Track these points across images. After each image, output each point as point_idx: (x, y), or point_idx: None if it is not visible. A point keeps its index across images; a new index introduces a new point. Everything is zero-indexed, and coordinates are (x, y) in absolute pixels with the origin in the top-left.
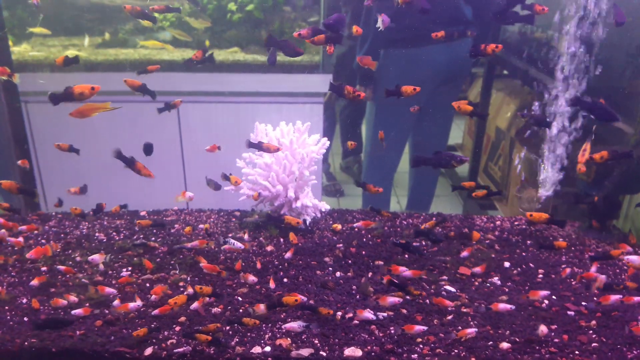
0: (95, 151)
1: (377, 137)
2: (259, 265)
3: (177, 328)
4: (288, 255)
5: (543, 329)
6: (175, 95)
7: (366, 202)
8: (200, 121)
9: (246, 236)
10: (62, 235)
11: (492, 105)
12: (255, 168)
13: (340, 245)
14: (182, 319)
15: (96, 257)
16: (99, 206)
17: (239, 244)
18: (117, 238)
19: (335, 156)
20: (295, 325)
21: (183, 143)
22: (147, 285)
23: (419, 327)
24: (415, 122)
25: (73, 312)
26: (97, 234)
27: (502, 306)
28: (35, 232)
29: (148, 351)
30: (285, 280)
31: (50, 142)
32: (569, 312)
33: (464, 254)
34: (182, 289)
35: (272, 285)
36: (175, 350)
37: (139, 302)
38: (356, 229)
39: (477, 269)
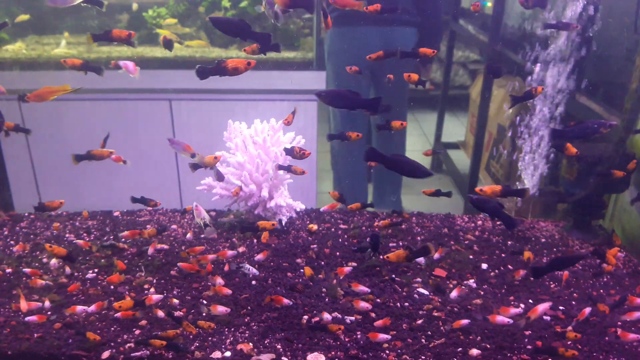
0: (89, 149)
1: (340, 115)
2: (226, 268)
3: (137, 332)
4: (259, 257)
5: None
6: (168, 92)
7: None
8: (194, 119)
9: (189, 235)
10: (31, 236)
11: (493, 102)
12: (229, 167)
13: (315, 246)
14: (144, 322)
15: (55, 263)
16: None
17: (254, 270)
18: (87, 239)
19: None
20: None
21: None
22: (112, 287)
23: (383, 336)
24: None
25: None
26: (67, 235)
27: (500, 319)
28: None
29: (105, 354)
30: (253, 282)
31: (45, 140)
32: (545, 317)
33: (437, 256)
34: (146, 292)
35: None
36: (133, 355)
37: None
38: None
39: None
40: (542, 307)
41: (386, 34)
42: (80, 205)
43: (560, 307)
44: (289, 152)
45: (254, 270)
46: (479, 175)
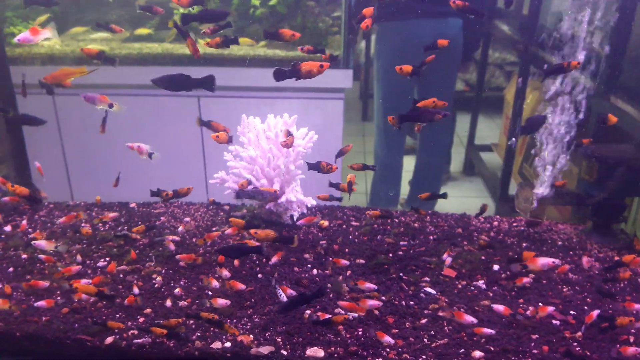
0: (120, 142)
1: (384, 110)
2: (236, 263)
3: (142, 319)
4: (274, 259)
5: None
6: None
7: (375, 184)
8: (221, 116)
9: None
10: (48, 224)
11: (527, 105)
12: (241, 161)
13: (324, 242)
14: (148, 310)
15: (42, 243)
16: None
17: (284, 297)
18: (102, 229)
19: None
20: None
21: (204, 137)
22: (121, 276)
23: (388, 339)
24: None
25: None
26: (83, 225)
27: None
28: None
29: (108, 340)
30: (259, 276)
31: (76, 133)
32: (554, 321)
33: (446, 256)
34: (153, 281)
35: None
36: (135, 341)
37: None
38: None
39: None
40: (544, 260)
41: (437, 26)
42: (108, 198)
43: (572, 312)
44: (315, 166)
45: (284, 297)
46: (512, 178)
